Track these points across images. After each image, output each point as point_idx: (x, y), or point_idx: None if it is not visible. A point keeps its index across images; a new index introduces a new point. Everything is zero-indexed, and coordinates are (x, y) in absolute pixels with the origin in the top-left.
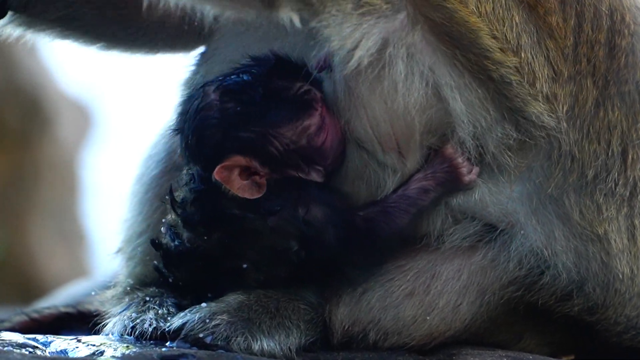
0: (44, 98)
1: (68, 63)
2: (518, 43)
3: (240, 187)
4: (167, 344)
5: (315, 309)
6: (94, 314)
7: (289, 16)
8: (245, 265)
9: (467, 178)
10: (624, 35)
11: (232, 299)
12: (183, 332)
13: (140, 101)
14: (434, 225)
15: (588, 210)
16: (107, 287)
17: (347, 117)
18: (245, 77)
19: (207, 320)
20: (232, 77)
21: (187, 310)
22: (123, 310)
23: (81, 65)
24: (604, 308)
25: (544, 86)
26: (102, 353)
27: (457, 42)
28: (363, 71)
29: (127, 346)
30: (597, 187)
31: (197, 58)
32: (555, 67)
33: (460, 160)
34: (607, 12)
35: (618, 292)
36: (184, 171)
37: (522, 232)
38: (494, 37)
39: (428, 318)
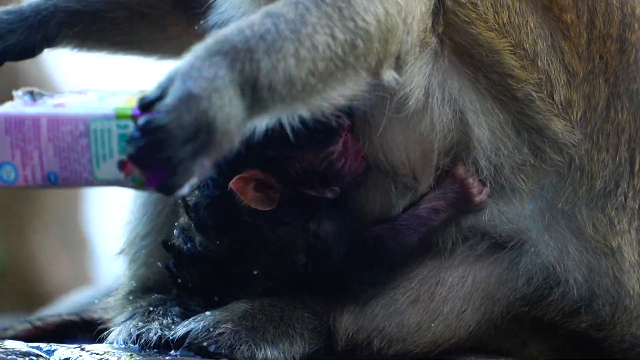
0: None
1: (70, 67)
2: (534, 51)
3: (253, 199)
4: (171, 352)
5: (319, 317)
6: (98, 322)
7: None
8: (255, 272)
9: (477, 198)
10: (634, 30)
11: (236, 307)
12: (187, 340)
13: None
14: (445, 245)
15: (601, 223)
16: (110, 295)
17: (362, 141)
18: None
19: (211, 329)
20: None
21: (191, 319)
22: (127, 319)
23: (83, 69)
24: (612, 325)
25: (561, 94)
26: None
27: (479, 64)
28: (388, 101)
29: (131, 355)
30: (608, 200)
31: None
32: (570, 70)
33: (471, 180)
34: (617, 4)
35: (627, 310)
36: None
37: (532, 249)
38: (514, 53)
39: (432, 325)
